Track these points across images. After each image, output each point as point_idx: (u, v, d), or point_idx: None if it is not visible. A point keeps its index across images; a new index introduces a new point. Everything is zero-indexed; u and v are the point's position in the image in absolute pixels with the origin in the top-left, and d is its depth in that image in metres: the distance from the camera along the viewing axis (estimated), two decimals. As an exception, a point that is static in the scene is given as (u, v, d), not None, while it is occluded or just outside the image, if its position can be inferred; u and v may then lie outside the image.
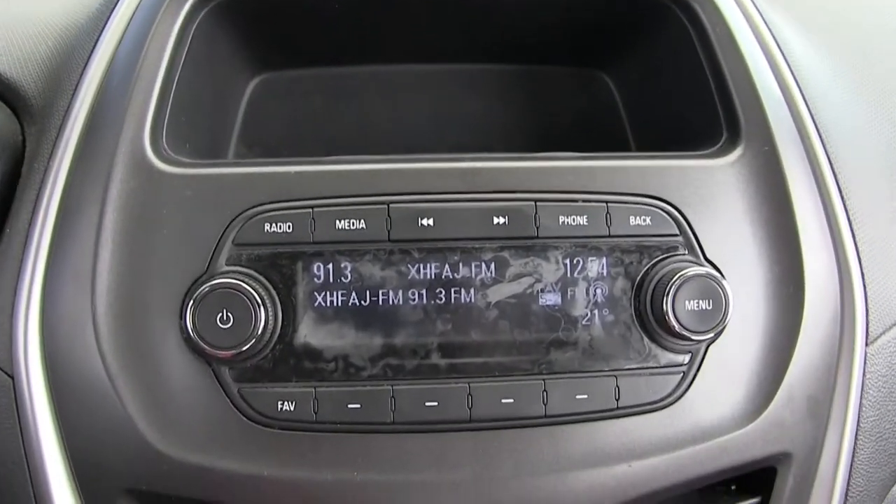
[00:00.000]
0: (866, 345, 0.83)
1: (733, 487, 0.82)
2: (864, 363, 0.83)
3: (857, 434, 0.83)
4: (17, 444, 0.75)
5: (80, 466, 0.75)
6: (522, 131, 1.09)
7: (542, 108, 1.09)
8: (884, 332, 0.84)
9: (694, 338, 0.74)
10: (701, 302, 0.74)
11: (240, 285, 0.71)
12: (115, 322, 0.73)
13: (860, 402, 0.83)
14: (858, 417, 0.83)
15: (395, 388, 0.72)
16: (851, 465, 0.84)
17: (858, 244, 0.85)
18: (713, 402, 0.76)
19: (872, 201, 0.87)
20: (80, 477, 0.75)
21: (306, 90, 1.04)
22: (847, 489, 0.84)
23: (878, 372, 0.83)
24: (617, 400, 0.74)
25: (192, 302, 0.70)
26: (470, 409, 0.73)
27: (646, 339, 0.75)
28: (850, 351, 0.83)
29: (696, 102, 0.90)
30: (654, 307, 0.74)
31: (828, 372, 0.80)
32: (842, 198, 0.85)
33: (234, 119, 1.03)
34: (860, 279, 0.83)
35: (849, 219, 0.85)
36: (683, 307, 0.73)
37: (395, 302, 0.73)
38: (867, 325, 0.83)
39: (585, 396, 0.74)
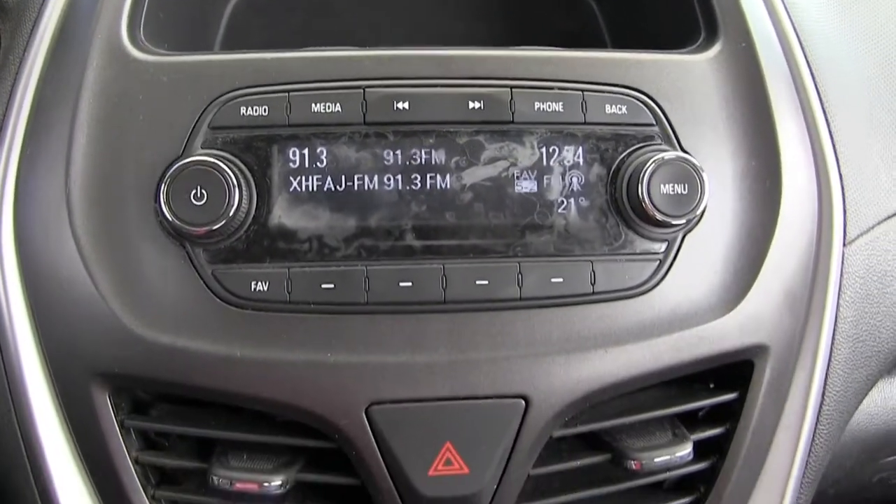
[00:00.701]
0: (844, 245, 0.83)
1: (712, 386, 0.82)
2: (842, 263, 0.83)
3: (834, 334, 0.83)
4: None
5: (52, 351, 0.75)
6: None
7: (525, 31, 1.09)
8: (861, 235, 0.84)
9: (671, 222, 0.73)
10: (676, 186, 0.74)
11: (214, 163, 0.71)
12: (89, 206, 0.73)
13: (837, 302, 0.83)
14: (836, 318, 0.83)
15: (368, 268, 0.72)
16: (829, 365, 0.84)
17: (837, 147, 0.85)
18: (690, 291, 0.76)
19: (851, 107, 0.87)
20: (52, 361, 0.75)
21: (287, 7, 1.04)
22: (824, 390, 0.84)
23: (855, 273, 0.84)
24: (593, 285, 0.74)
25: (166, 180, 0.70)
26: (444, 290, 0.73)
27: (622, 226, 0.75)
28: (827, 250, 0.83)
29: (675, 12, 0.90)
30: (629, 193, 0.74)
31: (805, 269, 0.80)
32: (820, 101, 0.85)
33: (215, 35, 1.03)
34: (838, 181, 0.84)
35: (827, 122, 0.85)
36: (659, 191, 0.73)
37: (370, 184, 0.73)
38: (845, 226, 0.83)
39: (561, 280, 0.74)
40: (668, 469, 0.79)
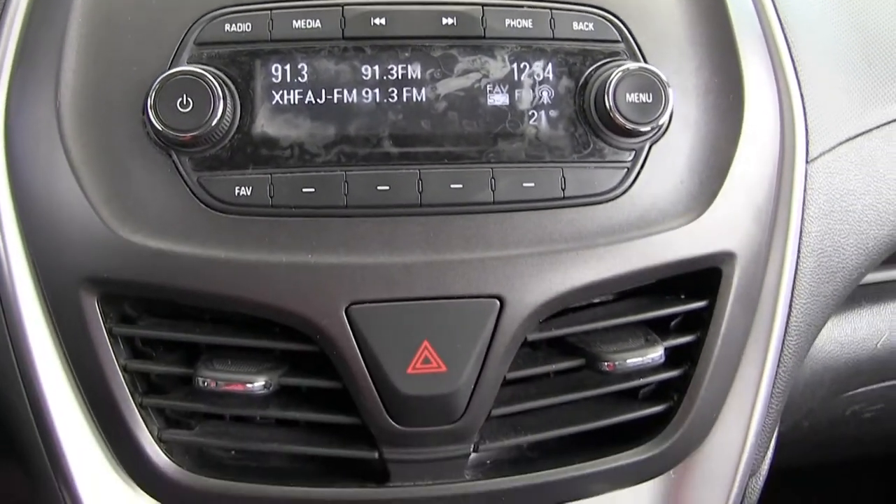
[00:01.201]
0: (806, 162, 0.87)
1: (683, 297, 0.85)
2: (805, 179, 0.87)
3: (800, 247, 0.87)
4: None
5: (42, 259, 0.77)
6: None
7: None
8: (823, 154, 0.88)
9: (637, 129, 0.77)
10: (641, 95, 0.77)
11: (200, 73, 0.74)
12: (79, 120, 0.76)
13: (802, 216, 0.87)
14: (801, 231, 0.87)
15: (347, 173, 0.75)
16: (795, 277, 0.87)
17: (799, 73, 0.89)
18: (657, 199, 0.79)
19: (813, 33, 0.91)
20: (42, 270, 0.77)
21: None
22: (791, 301, 0.87)
23: (818, 189, 0.87)
24: (563, 190, 0.77)
25: (154, 88, 0.73)
26: (420, 193, 0.76)
27: (590, 135, 0.78)
28: (790, 166, 0.86)
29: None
30: (597, 104, 0.78)
31: (769, 182, 0.84)
32: (781, 26, 0.89)
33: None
34: (800, 101, 0.87)
35: (788, 45, 0.89)
36: (624, 100, 0.77)
37: (349, 95, 0.76)
38: (807, 144, 0.87)
39: (532, 185, 0.77)
40: (641, 373, 0.82)
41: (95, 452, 0.81)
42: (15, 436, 0.82)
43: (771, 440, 0.92)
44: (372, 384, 0.75)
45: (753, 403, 0.87)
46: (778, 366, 0.87)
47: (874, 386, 1.10)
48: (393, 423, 0.77)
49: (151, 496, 0.82)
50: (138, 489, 0.82)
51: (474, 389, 0.77)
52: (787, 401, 1.02)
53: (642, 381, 0.83)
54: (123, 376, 0.78)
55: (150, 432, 0.79)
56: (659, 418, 0.84)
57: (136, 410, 0.79)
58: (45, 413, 0.80)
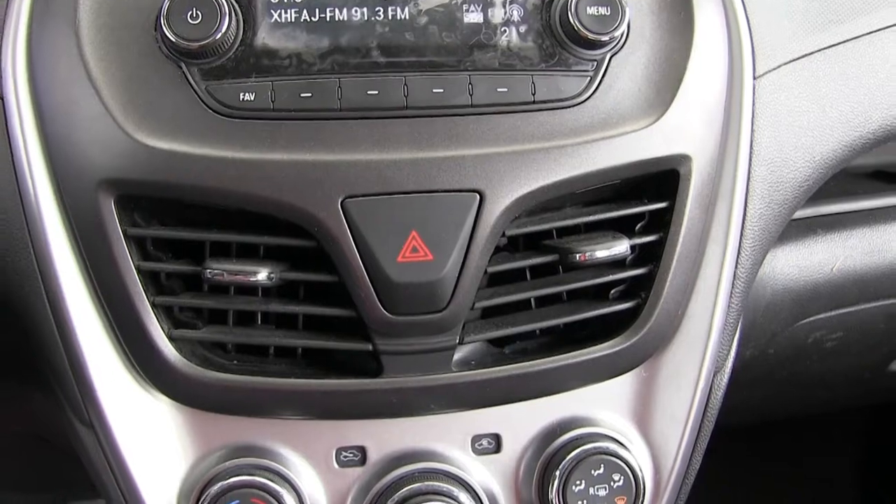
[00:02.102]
0: (754, 78, 0.96)
1: (646, 200, 0.93)
2: (754, 93, 0.96)
3: (751, 156, 0.95)
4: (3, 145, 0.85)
5: (61, 163, 0.85)
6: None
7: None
8: (769, 71, 0.97)
9: (598, 39, 0.86)
10: (600, 8, 0.86)
11: None
12: (96, 35, 0.84)
13: (752, 127, 0.96)
14: (752, 141, 0.96)
15: (341, 79, 0.84)
16: (748, 183, 0.96)
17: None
18: (618, 104, 0.88)
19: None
20: (61, 173, 0.85)
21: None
22: (746, 206, 0.96)
23: (766, 103, 0.96)
24: (533, 95, 0.86)
25: (166, 4, 0.82)
26: (406, 97, 0.84)
27: (556, 47, 0.87)
28: (739, 79, 0.96)
29: None
30: (561, 18, 0.87)
31: (720, 93, 0.93)
32: None
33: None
34: (746, 24, 0.97)
35: None
36: (585, 13, 0.86)
37: (340, 13, 0.85)
38: (754, 61, 0.96)
39: (505, 90, 0.85)
40: (610, 267, 0.90)
41: (110, 353, 0.88)
42: (35, 338, 0.89)
43: (733, 339, 0.99)
44: (365, 273, 0.83)
45: (715, 301, 0.95)
46: (736, 266, 0.96)
47: (832, 312, 1.18)
48: (385, 311, 0.84)
49: (162, 391, 0.88)
50: (149, 388, 0.89)
51: (458, 278, 0.84)
52: (752, 323, 1.10)
53: (612, 277, 0.90)
54: (137, 276, 0.85)
55: (162, 329, 0.86)
56: (628, 315, 0.92)
57: (150, 308, 0.85)
58: (64, 313, 0.87)
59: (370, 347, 0.86)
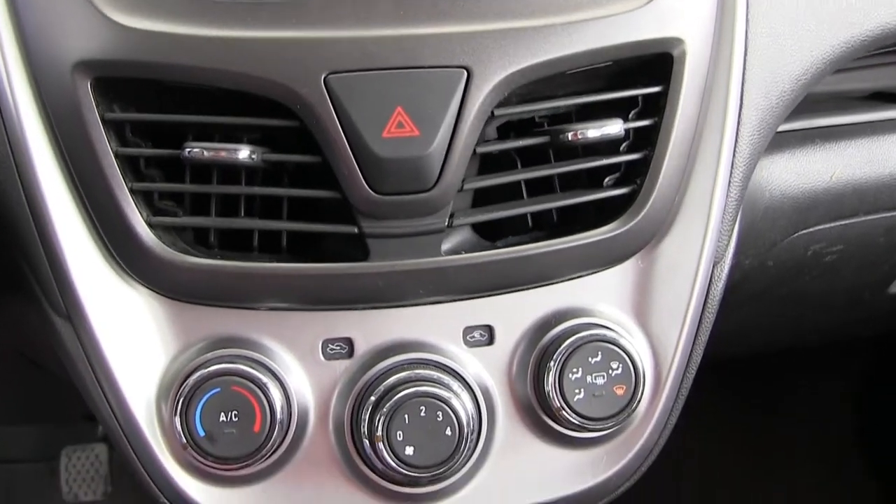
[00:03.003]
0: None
1: (639, 86, 0.90)
2: None
3: (747, 43, 0.93)
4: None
5: (36, 45, 0.82)
6: None
7: None
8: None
9: None
10: None
11: None
12: None
13: (747, 14, 0.93)
14: (747, 29, 0.93)
15: None
16: (744, 72, 0.93)
17: None
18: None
19: None
20: (35, 55, 0.82)
21: None
22: (742, 95, 0.93)
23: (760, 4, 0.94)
24: None
25: None
26: None
27: None
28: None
29: None
30: None
31: None
32: None
33: None
34: None
35: None
36: None
37: None
38: None
39: None
40: (604, 150, 0.87)
41: (87, 242, 0.85)
42: (10, 227, 0.86)
43: (732, 231, 0.97)
44: (349, 149, 0.80)
45: (713, 189, 0.92)
46: (734, 154, 0.93)
47: (832, 224, 1.15)
48: (370, 190, 0.81)
49: (142, 280, 0.86)
50: (128, 278, 0.86)
51: (447, 156, 0.82)
52: (751, 227, 1.08)
53: (606, 161, 0.88)
54: (115, 161, 0.82)
55: (141, 216, 0.83)
56: (624, 202, 0.89)
57: (129, 195, 0.83)
58: (40, 201, 0.84)
59: (355, 230, 0.83)
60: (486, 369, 0.89)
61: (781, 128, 1.04)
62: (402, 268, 0.84)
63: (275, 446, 0.83)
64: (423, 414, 0.83)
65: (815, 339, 1.60)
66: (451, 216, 0.85)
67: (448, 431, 0.83)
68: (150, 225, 0.83)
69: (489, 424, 0.88)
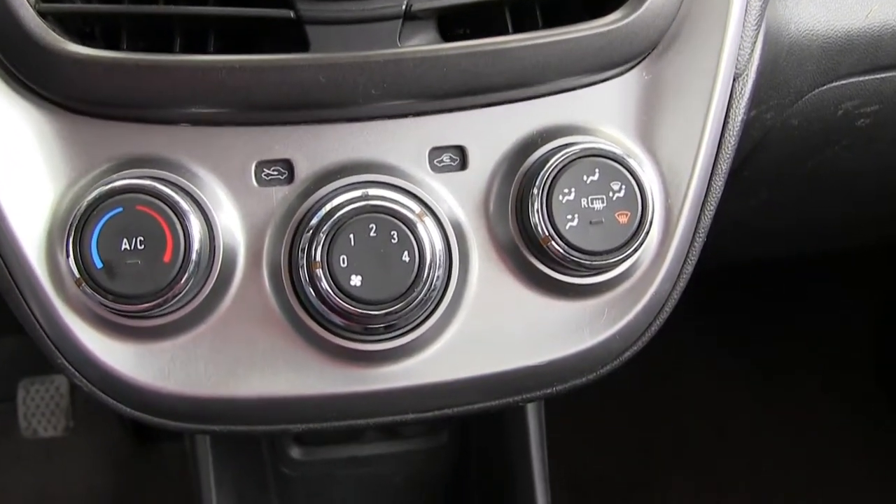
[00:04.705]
0: None
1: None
2: None
3: None
4: None
5: None
6: None
7: None
8: None
9: None
10: None
11: None
12: None
13: None
14: None
15: None
16: None
17: None
18: None
19: None
20: None
21: None
22: None
23: None
24: None
25: None
26: None
27: None
28: None
29: None
30: None
31: None
32: None
33: None
34: None
35: None
36: None
37: None
38: None
39: None
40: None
41: None
42: None
43: (757, 39, 0.80)
44: None
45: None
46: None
47: (867, 76, 0.99)
48: None
49: (32, 83, 0.69)
50: (18, 87, 0.69)
51: None
52: (774, 65, 0.91)
53: None
54: None
55: (28, 2, 0.67)
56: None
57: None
58: None
59: (291, 14, 0.67)
60: (458, 200, 0.72)
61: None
62: (349, 60, 0.67)
63: (192, 286, 0.66)
64: (373, 234, 0.66)
65: (838, 240, 1.43)
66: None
67: (405, 257, 0.66)
68: (40, 14, 0.67)
69: (462, 267, 0.71)
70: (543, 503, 1.30)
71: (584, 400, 1.80)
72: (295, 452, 1.27)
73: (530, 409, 1.25)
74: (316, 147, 0.71)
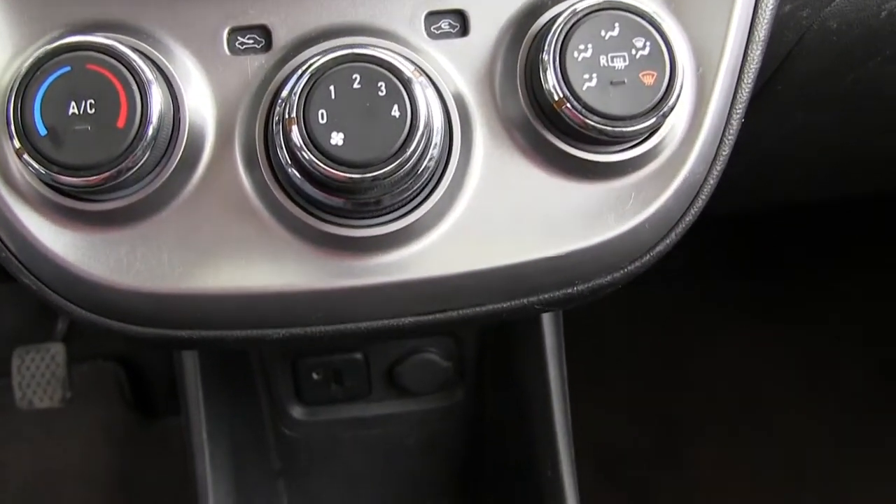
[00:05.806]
0: None
1: None
2: None
3: None
4: None
5: None
6: None
7: None
8: None
9: None
10: None
11: None
12: None
13: None
14: None
15: None
16: None
17: None
18: None
19: None
20: None
21: None
22: None
23: None
24: None
25: None
26: None
27: None
28: None
29: None
30: None
31: None
32: None
33: None
34: None
35: None
36: None
37: None
38: None
39: None
40: None
41: None
42: None
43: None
44: None
45: None
46: None
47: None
48: None
49: None
50: None
51: None
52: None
53: None
54: None
55: None
56: None
57: None
58: None
59: None
60: (458, 69, 0.63)
61: None
62: None
63: (150, 158, 0.57)
64: (357, 85, 0.56)
65: (886, 180, 1.31)
66: None
67: (395, 111, 0.56)
68: None
69: (464, 143, 0.62)
70: (567, 468, 1.20)
71: (608, 365, 1.71)
72: (297, 412, 1.18)
73: (551, 361, 1.16)
74: (296, 10, 0.62)
